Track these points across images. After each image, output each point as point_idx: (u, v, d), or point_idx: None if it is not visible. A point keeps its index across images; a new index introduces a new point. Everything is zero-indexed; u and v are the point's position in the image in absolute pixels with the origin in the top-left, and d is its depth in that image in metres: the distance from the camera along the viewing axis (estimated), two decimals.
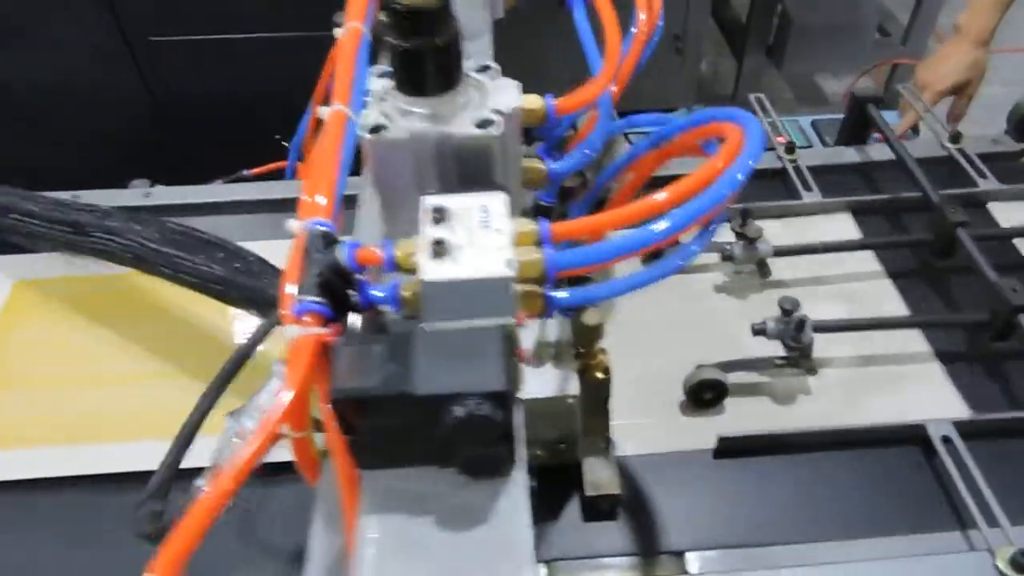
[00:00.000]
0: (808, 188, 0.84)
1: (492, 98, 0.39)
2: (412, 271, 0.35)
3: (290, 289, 0.36)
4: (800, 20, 1.99)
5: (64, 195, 0.83)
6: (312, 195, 0.40)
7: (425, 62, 0.36)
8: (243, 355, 0.58)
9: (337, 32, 0.55)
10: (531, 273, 0.33)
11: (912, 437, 0.64)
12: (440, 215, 0.34)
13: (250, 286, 0.62)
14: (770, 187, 0.89)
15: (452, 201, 0.35)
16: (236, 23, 1.21)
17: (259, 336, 0.59)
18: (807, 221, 0.83)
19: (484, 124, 0.38)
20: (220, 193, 0.89)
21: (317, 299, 0.35)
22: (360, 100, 0.48)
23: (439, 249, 0.33)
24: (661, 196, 0.34)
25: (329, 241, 0.36)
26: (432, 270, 0.32)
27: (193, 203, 0.87)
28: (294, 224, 0.39)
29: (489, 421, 0.27)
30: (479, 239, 0.33)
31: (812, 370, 0.68)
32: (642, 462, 0.64)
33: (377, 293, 0.37)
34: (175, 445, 0.55)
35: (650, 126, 0.47)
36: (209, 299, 0.64)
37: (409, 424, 0.29)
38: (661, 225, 0.33)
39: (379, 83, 0.41)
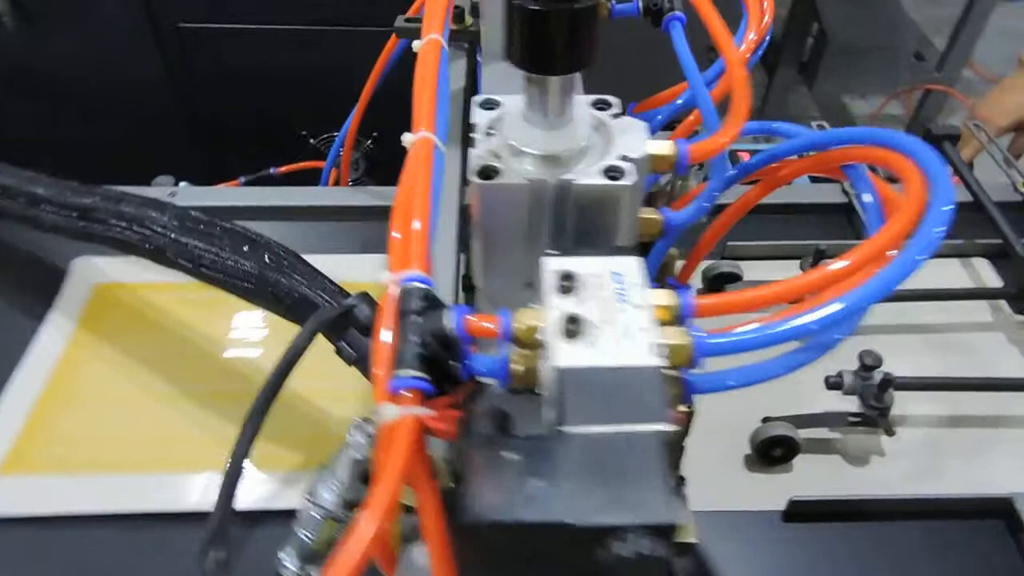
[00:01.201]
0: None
1: (617, 140, 0.34)
2: (533, 347, 0.30)
3: (383, 358, 0.31)
4: (837, 39, 1.94)
5: None
6: (405, 244, 0.35)
7: (557, 29, 0.30)
8: (282, 374, 0.53)
9: (416, 45, 0.50)
10: (677, 361, 0.28)
11: (997, 510, 0.60)
12: (569, 283, 0.29)
13: (284, 284, 0.56)
14: (833, 222, 0.85)
15: (580, 265, 0.30)
16: (268, 13, 1.15)
17: (297, 351, 0.54)
18: None
19: (613, 173, 0.32)
20: (249, 196, 0.84)
21: (419, 374, 0.30)
22: (445, 124, 0.43)
23: (573, 328, 0.28)
24: (838, 266, 0.29)
25: (431, 302, 0.31)
26: (568, 355, 0.27)
27: (220, 206, 0.81)
28: (387, 278, 0.34)
29: (655, 562, 0.22)
30: (617, 316, 0.28)
31: (890, 431, 0.64)
32: (706, 519, 0.59)
33: (483, 364, 0.32)
34: (225, 484, 0.50)
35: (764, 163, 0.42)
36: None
37: (544, 552, 0.24)
38: (831, 308, 0.28)
39: (483, 116, 0.36)
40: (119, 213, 0.60)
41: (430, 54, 0.48)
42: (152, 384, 0.64)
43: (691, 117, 0.54)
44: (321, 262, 0.57)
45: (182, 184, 0.84)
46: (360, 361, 0.54)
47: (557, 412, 0.26)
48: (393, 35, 0.77)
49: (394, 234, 0.36)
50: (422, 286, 0.32)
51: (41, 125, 1.25)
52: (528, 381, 0.32)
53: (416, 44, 0.50)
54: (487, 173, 0.33)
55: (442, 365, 0.30)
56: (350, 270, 0.58)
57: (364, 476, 0.40)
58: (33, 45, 1.15)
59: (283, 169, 1.10)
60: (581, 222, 0.34)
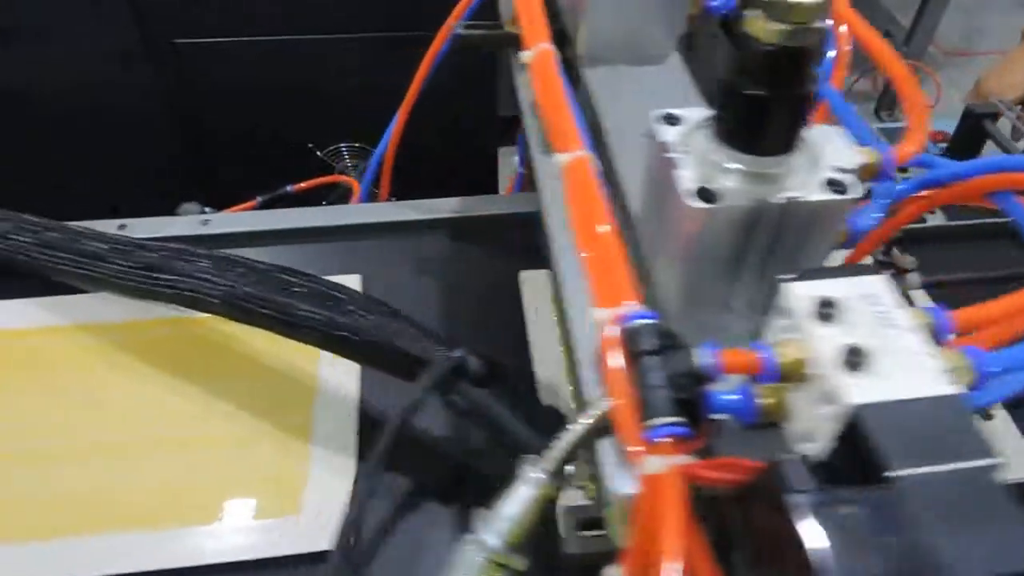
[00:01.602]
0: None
1: (823, 151, 0.32)
2: (799, 381, 0.28)
3: (626, 406, 0.29)
4: None
5: (111, 223, 0.74)
6: (608, 275, 0.32)
7: (782, 115, 0.29)
8: (396, 431, 0.50)
9: (525, 56, 0.47)
10: (964, 383, 0.27)
11: None
12: (829, 310, 0.27)
13: (387, 338, 0.53)
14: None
15: (834, 289, 0.28)
16: (264, 25, 1.10)
17: (415, 408, 0.51)
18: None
19: (838, 187, 0.31)
20: (287, 219, 0.79)
21: (675, 420, 0.28)
22: (588, 138, 0.41)
23: (856, 360, 0.26)
24: None
25: (667, 339, 0.29)
26: (860, 390, 0.25)
27: (257, 231, 0.77)
28: (600, 316, 0.31)
29: None
30: (891, 342, 0.27)
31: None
32: None
33: (725, 401, 0.29)
34: (340, 542, 0.47)
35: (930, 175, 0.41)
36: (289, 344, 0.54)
37: None
38: None
39: (670, 132, 0.33)
40: (187, 270, 0.56)
41: (548, 65, 0.45)
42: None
43: None
44: None
45: (213, 214, 0.79)
46: (471, 413, 0.52)
47: (867, 455, 0.24)
48: (436, 41, 0.74)
49: (590, 266, 0.33)
50: (651, 322, 0.30)
51: (30, 152, 1.17)
52: (777, 416, 0.30)
53: (525, 55, 0.48)
54: (708, 196, 0.30)
55: (694, 408, 0.28)
56: None
57: (537, 519, 0.37)
58: (14, 68, 1.07)
59: (300, 187, 1.05)
60: (795, 240, 0.32)
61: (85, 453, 0.58)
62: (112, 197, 0.87)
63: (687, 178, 0.31)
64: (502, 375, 0.54)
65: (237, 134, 1.19)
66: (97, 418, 0.60)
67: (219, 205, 0.94)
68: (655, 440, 0.27)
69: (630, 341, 0.29)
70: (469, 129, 1.23)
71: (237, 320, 0.57)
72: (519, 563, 0.36)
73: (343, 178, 1.01)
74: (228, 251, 0.57)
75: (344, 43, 1.14)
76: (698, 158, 0.32)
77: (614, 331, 0.30)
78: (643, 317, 0.30)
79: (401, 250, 0.77)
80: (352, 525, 0.49)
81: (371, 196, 0.91)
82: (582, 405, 0.40)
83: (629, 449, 0.28)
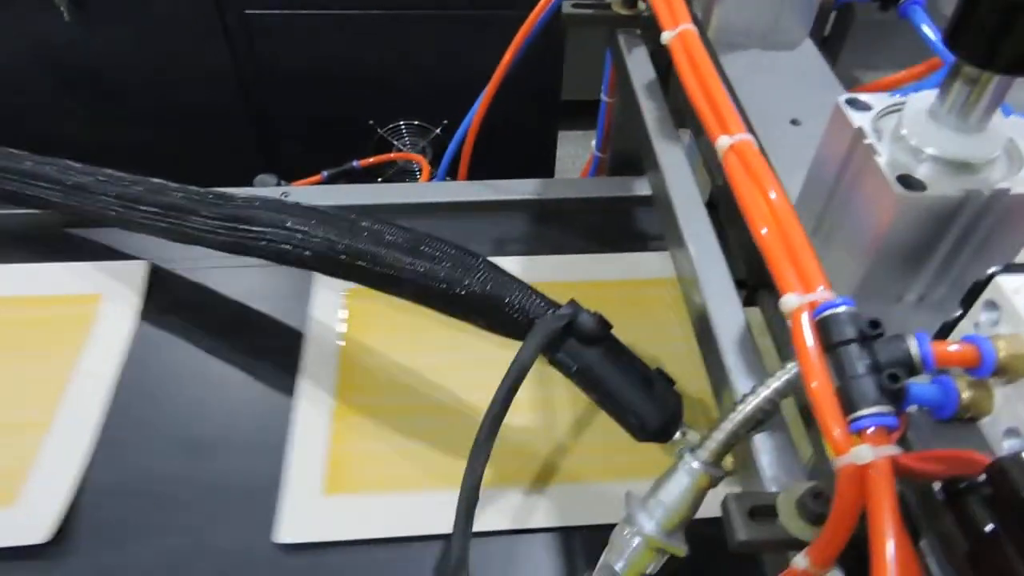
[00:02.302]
0: None
1: (1018, 142, 0.31)
2: (1012, 376, 0.27)
3: (828, 394, 0.28)
4: (864, 14, 1.93)
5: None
6: (795, 260, 0.32)
7: None
8: (509, 393, 0.50)
9: (665, 37, 0.46)
10: None
11: None
12: None
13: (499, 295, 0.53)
14: None
15: None
16: None
17: (524, 367, 0.50)
18: None
19: None
20: (365, 195, 0.78)
21: (885, 409, 0.27)
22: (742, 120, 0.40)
23: None
24: None
25: (872, 328, 0.28)
26: None
27: (338, 206, 0.76)
28: (793, 301, 0.31)
29: None
30: None
31: None
32: None
33: (927, 394, 0.29)
34: (462, 512, 0.47)
35: None
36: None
37: None
38: None
39: (861, 117, 0.33)
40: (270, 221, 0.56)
41: (695, 45, 0.44)
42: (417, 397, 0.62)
43: None
44: None
45: (290, 187, 0.78)
46: (581, 372, 0.51)
47: None
48: (528, 20, 0.72)
49: (772, 250, 0.32)
50: (851, 310, 0.29)
51: (100, 125, 1.17)
52: (977, 411, 0.29)
53: (665, 36, 0.47)
54: (912, 183, 0.30)
55: (900, 397, 0.28)
56: None
57: (694, 505, 0.37)
58: (92, 38, 1.07)
59: (365, 162, 1.05)
60: (987, 233, 0.31)
61: None
62: (182, 170, 0.86)
63: (886, 164, 0.30)
64: (609, 335, 0.53)
65: (301, 109, 1.18)
66: None
67: (283, 179, 0.94)
68: (862, 430, 0.27)
69: (832, 329, 0.29)
70: (530, 112, 1.22)
71: (334, 275, 0.57)
72: (679, 548, 0.36)
73: (415, 156, 1.00)
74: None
75: (409, 20, 1.13)
76: (894, 144, 0.32)
77: (806, 318, 0.30)
78: (840, 304, 0.29)
79: (479, 230, 0.77)
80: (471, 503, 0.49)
81: (446, 176, 0.91)
82: (728, 394, 0.40)
83: (834, 438, 0.27)
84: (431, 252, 0.54)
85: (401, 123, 1.21)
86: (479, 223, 0.78)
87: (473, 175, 0.86)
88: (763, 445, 0.36)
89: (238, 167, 0.93)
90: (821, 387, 0.28)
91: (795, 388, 0.34)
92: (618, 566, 0.37)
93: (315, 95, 1.16)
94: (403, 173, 1.21)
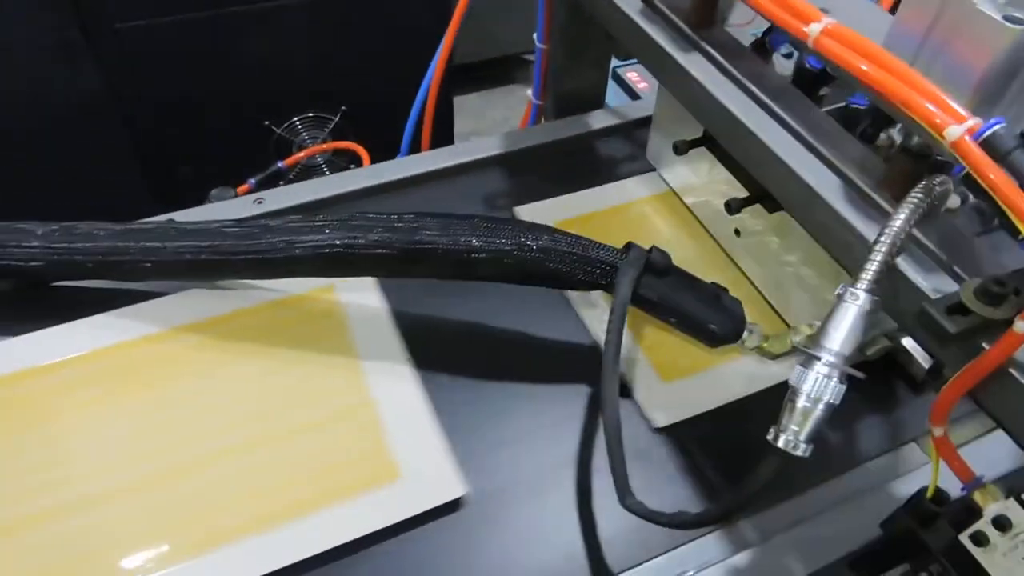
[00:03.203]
0: None
1: None
2: None
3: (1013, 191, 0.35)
4: None
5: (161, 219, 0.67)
6: (931, 99, 0.38)
7: None
8: (619, 330, 0.54)
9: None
10: None
11: None
12: None
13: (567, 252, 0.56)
14: None
15: None
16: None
17: (625, 302, 0.54)
18: None
19: None
20: (343, 183, 0.76)
21: None
22: None
23: None
24: None
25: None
26: None
27: (321, 199, 0.74)
28: (954, 132, 0.37)
29: None
30: None
31: None
32: None
33: None
34: (613, 440, 0.50)
35: None
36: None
37: None
38: None
39: None
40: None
41: None
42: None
43: None
44: None
45: (264, 192, 0.74)
46: (661, 302, 0.56)
47: None
48: None
49: (914, 100, 0.39)
50: (1005, 126, 0.36)
51: None
52: None
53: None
54: (1014, 19, 0.37)
55: None
56: None
57: (863, 330, 0.43)
58: None
59: (290, 160, 1.00)
60: None
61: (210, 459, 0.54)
62: (60, 210, 0.74)
63: (988, 8, 0.38)
64: (674, 265, 0.59)
65: (187, 127, 1.09)
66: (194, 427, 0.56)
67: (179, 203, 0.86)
68: None
69: (997, 144, 0.36)
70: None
71: (406, 271, 0.57)
72: (858, 373, 0.42)
73: (350, 145, 0.97)
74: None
75: (282, 10, 1.08)
76: None
77: (965, 138, 0.36)
78: (995, 124, 0.36)
79: (466, 192, 0.78)
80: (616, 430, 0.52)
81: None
82: (849, 239, 0.46)
83: None
84: (489, 226, 0.56)
85: (296, 119, 1.16)
86: (463, 185, 0.79)
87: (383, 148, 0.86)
88: (910, 265, 0.43)
89: (123, 200, 0.86)
90: (1008, 186, 0.35)
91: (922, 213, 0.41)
92: (805, 403, 0.42)
93: (197, 109, 1.07)
94: (309, 170, 1.17)
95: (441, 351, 0.63)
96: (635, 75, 1.32)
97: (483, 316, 0.65)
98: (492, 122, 2.16)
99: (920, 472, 0.58)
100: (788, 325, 0.65)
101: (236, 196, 0.76)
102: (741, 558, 0.52)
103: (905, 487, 0.57)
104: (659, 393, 0.61)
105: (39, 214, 0.60)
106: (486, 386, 0.61)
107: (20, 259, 0.59)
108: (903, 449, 0.60)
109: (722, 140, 0.58)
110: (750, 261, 0.69)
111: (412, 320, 0.64)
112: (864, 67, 0.41)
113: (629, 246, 0.58)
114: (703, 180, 0.72)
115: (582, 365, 0.63)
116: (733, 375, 0.62)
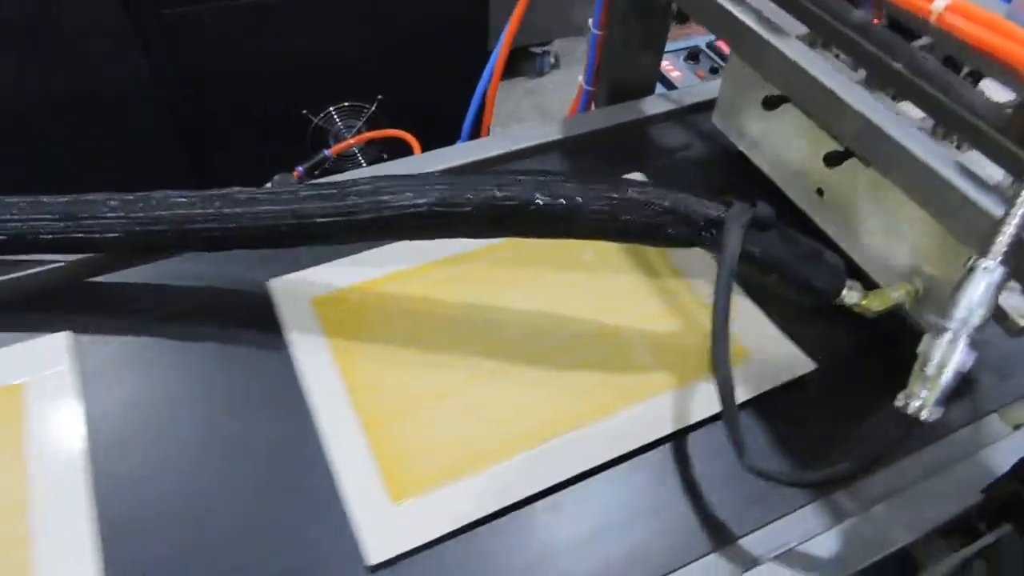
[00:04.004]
0: None
1: None
2: None
3: None
4: None
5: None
6: None
7: None
8: (729, 281, 0.54)
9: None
10: None
11: None
12: None
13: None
14: None
15: None
16: None
17: (735, 255, 0.54)
18: None
19: None
20: (408, 166, 0.76)
21: None
22: None
23: None
24: None
25: None
26: None
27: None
28: None
29: None
30: None
31: None
32: None
33: None
34: (727, 398, 0.51)
35: None
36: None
37: None
38: None
39: None
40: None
41: None
42: (441, 367, 0.60)
43: None
44: None
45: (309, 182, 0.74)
46: (762, 257, 0.56)
47: None
48: None
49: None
50: None
51: (25, 152, 0.98)
52: None
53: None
54: None
55: None
56: None
57: (995, 301, 0.44)
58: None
59: (337, 148, 1.00)
60: None
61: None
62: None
63: None
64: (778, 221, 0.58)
65: (228, 115, 1.08)
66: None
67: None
68: None
69: None
70: (462, 64, 1.22)
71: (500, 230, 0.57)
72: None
73: (401, 133, 0.97)
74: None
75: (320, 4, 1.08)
76: None
77: None
78: None
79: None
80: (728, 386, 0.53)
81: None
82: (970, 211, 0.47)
83: None
84: (584, 184, 0.56)
85: (331, 109, 1.15)
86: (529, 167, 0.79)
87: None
88: None
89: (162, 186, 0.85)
90: None
91: None
92: (934, 370, 0.43)
93: (239, 96, 1.07)
94: (343, 159, 1.16)
95: None
96: (667, 63, 1.33)
97: None
98: (504, 115, 2.16)
99: (1005, 443, 0.59)
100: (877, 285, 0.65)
101: (300, 182, 0.75)
102: (843, 528, 0.54)
103: (991, 457, 0.58)
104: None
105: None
106: None
107: (96, 231, 0.57)
108: (985, 420, 0.61)
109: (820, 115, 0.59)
110: (833, 221, 0.68)
111: None
112: (997, 41, 0.42)
113: (730, 201, 0.56)
114: (781, 141, 0.72)
115: None
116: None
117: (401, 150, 1.07)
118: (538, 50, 2.40)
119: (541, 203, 0.55)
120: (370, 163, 1.12)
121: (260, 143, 1.10)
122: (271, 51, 1.06)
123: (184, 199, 0.57)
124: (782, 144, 0.72)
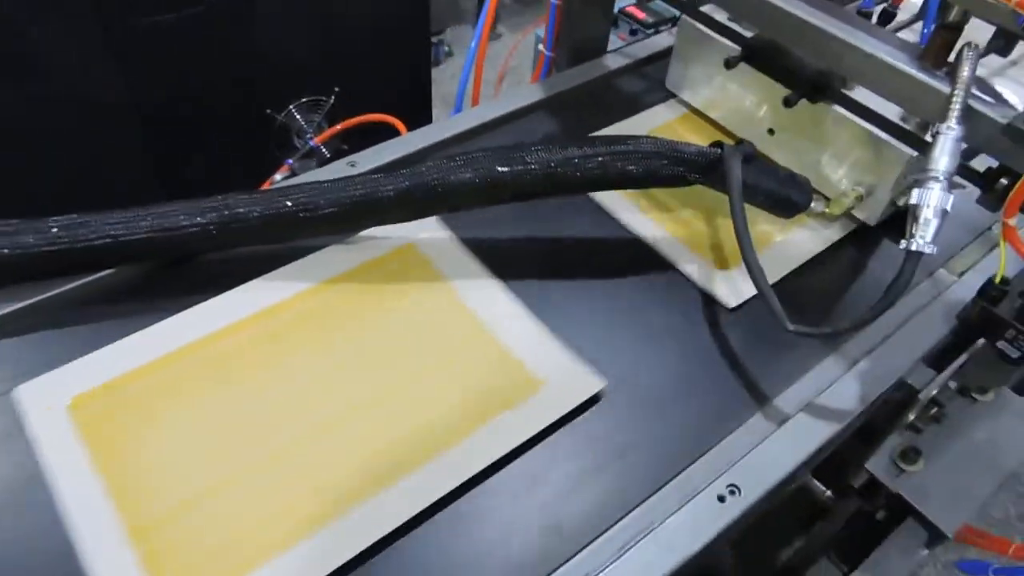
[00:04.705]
0: None
1: None
2: None
3: None
4: None
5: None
6: None
7: None
8: (741, 206, 0.66)
9: None
10: None
11: None
12: None
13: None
14: None
15: None
16: None
17: (740, 182, 0.67)
18: None
19: None
20: (416, 141, 0.83)
21: None
22: None
23: None
24: None
25: None
26: None
27: (410, 154, 0.80)
28: None
29: None
30: None
31: None
32: None
33: None
34: (760, 281, 0.62)
35: None
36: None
37: None
38: None
39: None
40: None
41: None
42: (223, 453, 0.55)
43: None
44: None
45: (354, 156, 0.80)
46: (750, 184, 0.69)
47: None
48: None
49: None
50: None
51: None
52: None
53: None
54: None
55: None
56: None
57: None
58: None
59: (321, 138, 1.04)
60: None
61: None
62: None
63: None
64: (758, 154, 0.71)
65: (194, 122, 1.09)
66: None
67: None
68: None
69: None
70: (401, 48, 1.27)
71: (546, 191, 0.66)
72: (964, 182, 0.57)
73: (386, 118, 1.01)
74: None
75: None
76: None
77: None
78: None
79: (528, 134, 0.87)
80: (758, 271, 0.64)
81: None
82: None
83: None
84: (590, 144, 0.66)
85: (291, 107, 1.19)
86: (520, 131, 0.88)
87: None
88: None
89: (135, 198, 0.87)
90: None
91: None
92: (927, 212, 0.57)
93: (198, 103, 1.08)
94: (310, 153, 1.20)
95: (520, 272, 0.70)
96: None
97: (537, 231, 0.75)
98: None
99: (957, 286, 0.74)
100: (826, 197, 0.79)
101: (316, 167, 0.81)
102: (859, 368, 0.66)
103: (950, 296, 0.73)
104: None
105: (54, 211, 0.60)
106: (556, 287, 0.71)
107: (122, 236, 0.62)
108: (936, 274, 0.76)
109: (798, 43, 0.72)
110: (784, 152, 0.82)
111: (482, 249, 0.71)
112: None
113: (719, 143, 0.69)
114: (735, 94, 0.85)
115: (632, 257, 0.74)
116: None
117: (374, 137, 1.12)
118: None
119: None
120: (333, 154, 1.16)
121: (226, 148, 1.12)
122: (231, 51, 1.08)
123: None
124: (737, 96, 0.85)
